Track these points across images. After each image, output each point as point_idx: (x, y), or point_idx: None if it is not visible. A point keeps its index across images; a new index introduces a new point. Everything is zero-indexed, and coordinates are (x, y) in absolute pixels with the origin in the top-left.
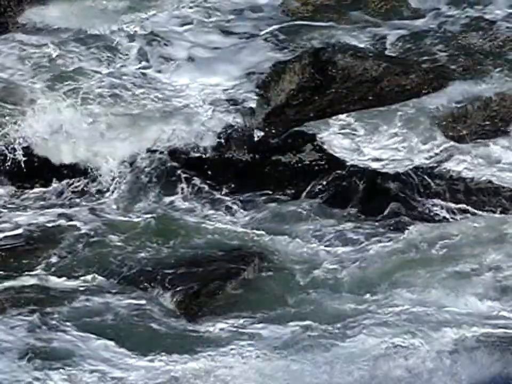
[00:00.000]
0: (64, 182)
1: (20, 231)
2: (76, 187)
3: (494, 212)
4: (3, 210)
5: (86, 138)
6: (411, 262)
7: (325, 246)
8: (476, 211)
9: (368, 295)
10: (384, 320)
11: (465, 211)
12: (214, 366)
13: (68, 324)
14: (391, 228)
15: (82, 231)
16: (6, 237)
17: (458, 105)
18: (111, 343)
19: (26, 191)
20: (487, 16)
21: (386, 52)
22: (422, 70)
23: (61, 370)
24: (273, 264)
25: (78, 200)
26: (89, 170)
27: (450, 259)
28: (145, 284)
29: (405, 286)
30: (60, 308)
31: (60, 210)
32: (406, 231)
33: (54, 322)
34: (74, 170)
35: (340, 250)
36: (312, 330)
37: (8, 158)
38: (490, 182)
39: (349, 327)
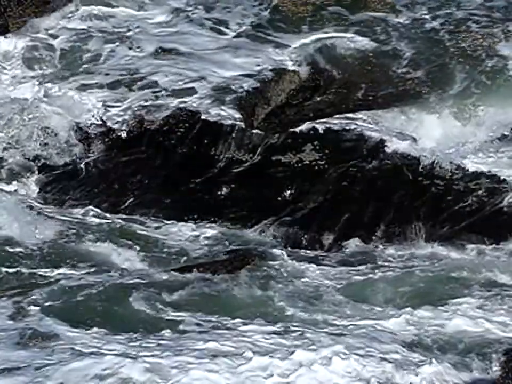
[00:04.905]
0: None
1: None
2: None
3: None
4: None
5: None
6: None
7: (321, 250)
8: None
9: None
10: (363, 333)
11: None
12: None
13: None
14: (388, 234)
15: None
16: None
17: (460, 108)
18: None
19: None
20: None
21: (387, 53)
22: (422, 71)
23: (47, 351)
24: (267, 268)
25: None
26: None
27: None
28: (144, 282)
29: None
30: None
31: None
32: (404, 241)
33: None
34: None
35: (333, 256)
36: (291, 332)
37: None
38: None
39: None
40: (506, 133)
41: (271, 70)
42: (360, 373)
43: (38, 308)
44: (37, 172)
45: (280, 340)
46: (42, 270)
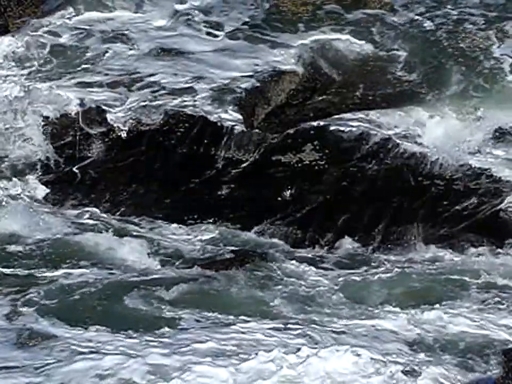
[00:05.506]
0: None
1: None
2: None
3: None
4: None
5: None
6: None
7: (321, 250)
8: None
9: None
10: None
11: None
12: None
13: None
14: (388, 235)
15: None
16: None
17: (459, 108)
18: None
19: None
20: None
21: (386, 54)
22: (421, 71)
23: (46, 350)
24: (266, 268)
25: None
26: None
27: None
28: (144, 281)
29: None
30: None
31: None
32: (405, 243)
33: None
34: None
35: (333, 257)
36: (293, 330)
37: None
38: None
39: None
40: (505, 134)
41: (271, 70)
42: (366, 368)
43: (37, 308)
44: (37, 172)
45: (283, 338)
46: (41, 269)
